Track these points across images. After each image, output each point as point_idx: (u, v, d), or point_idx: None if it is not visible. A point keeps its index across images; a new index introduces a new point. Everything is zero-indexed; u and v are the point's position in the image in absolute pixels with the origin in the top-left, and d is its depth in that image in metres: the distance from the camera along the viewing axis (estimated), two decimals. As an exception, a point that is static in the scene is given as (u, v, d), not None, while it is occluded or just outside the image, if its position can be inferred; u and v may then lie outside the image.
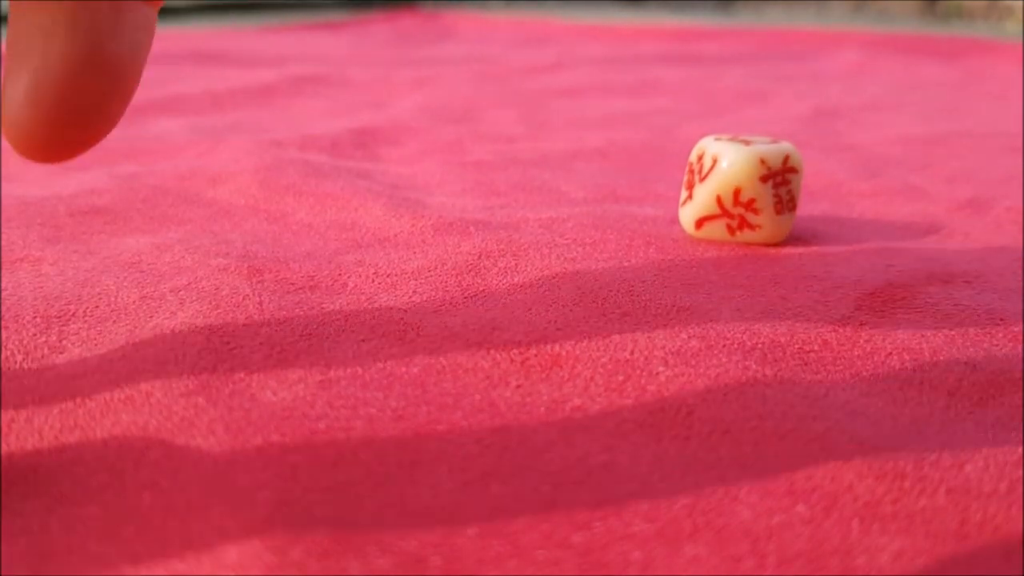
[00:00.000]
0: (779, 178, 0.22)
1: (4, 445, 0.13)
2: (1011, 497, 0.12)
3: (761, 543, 0.11)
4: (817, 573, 0.11)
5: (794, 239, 0.23)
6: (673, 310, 0.17)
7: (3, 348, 0.16)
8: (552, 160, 0.32)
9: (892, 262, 0.21)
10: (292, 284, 0.19)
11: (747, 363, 0.15)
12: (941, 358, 0.16)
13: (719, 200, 0.22)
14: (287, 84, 0.49)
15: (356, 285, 0.19)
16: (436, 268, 0.20)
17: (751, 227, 0.22)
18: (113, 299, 0.19)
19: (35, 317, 0.18)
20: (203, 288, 0.19)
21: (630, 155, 0.33)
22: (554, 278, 0.19)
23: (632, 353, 0.16)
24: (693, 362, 0.15)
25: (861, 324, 0.17)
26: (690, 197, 0.22)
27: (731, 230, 0.22)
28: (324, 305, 0.18)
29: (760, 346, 0.16)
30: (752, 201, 0.22)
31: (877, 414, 0.14)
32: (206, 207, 0.25)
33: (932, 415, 0.14)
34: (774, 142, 0.22)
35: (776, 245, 0.22)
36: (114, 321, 0.18)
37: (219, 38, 0.75)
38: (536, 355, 0.16)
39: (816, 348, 0.16)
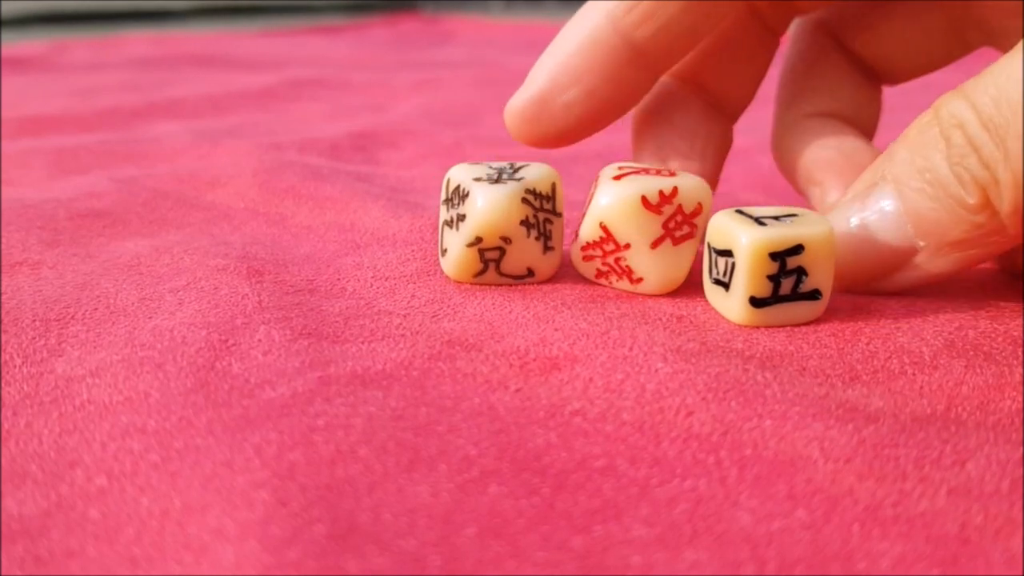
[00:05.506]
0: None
1: (4, 448, 0.13)
2: (1013, 496, 0.12)
3: (761, 549, 0.11)
4: (817, 577, 0.11)
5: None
6: (673, 318, 0.17)
7: (2, 351, 0.16)
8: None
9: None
10: (291, 286, 0.19)
11: (747, 366, 0.15)
12: (941, 362, 0.16)
13: None
14: (286, 87, 0.49)
15: (355, 288, 0.19)
16: (433, 270, 0.20)
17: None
18: (112, 301, 0.19)
19: (34, 320, 0.18)
20: (202, 288, 0.19)
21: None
22: (553, 276, 0.19)
23: (631, 349, 0.16)
24: (693, 360, 0.15)
25: (860, 330, 0.17)
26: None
27: None
28: (323, 308, 0.18)
29: (759, 355, 0.16)
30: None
31: (877, 413, 0.14)
32: (205, 210, 0.25)
33: (933, 416, 0.14)
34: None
35: None
36: (113, 323, 0.17)
37: (218, 41, 0.75)
38: (535, 359, 0.16)
39: (816, 355, 0.16)
